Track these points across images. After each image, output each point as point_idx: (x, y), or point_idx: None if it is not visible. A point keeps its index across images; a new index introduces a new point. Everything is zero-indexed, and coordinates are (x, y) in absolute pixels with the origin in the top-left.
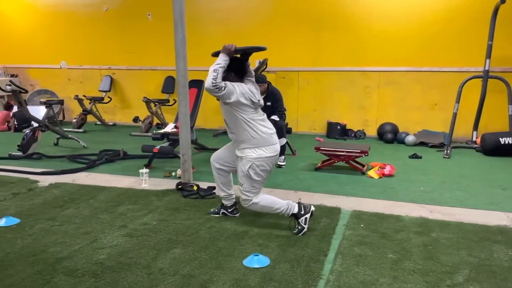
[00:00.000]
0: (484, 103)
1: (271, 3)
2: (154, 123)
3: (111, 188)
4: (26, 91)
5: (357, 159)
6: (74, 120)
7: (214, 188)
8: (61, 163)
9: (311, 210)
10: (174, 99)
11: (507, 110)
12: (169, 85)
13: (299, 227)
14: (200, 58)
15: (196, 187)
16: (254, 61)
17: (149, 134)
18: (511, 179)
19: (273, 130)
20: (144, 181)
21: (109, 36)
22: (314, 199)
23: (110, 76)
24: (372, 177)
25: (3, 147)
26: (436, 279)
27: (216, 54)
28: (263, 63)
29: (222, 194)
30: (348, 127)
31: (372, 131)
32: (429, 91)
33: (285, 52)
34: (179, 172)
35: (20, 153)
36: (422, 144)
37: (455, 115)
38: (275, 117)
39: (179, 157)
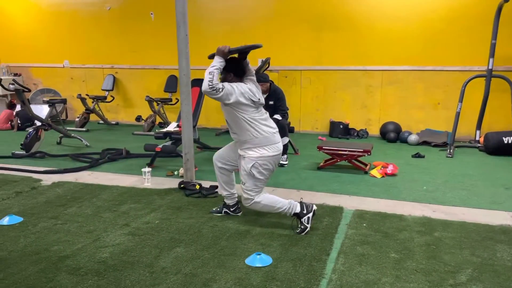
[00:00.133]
0: (487, 102)
1: (273, 2)
2: (157, 122)
3: (114, 187)
4: (29, 90)
5: (360, 158)
6: (77, 119)
7: (216, 187)
8: (64, 162)
9: (313, 209)
10: (176, 98)
11: (511, 109)
12: (172, 84)
13: (302, 227)
14: (203, 57)
15: (199, 186)
16: (256, 60)
17: (152, 133)
18: None
19: (275, 129)
20: (147, 180)
21: (111, 35)
22: (317, 198)
23: (113, 75)
24: (374, 176)
25: (6, 146)
26: (439, 278)
27: (212, 57)
28: (266, 62)
29: (224, 193)
30: (350, 126)
31: (374, 130)
32: (432, 90)
33: (287, 51)
34: (181, 171)
35: (23, 152)
36: (425, 143)
37: (458, 114)
38: (277, 116)
39: (181, 156)
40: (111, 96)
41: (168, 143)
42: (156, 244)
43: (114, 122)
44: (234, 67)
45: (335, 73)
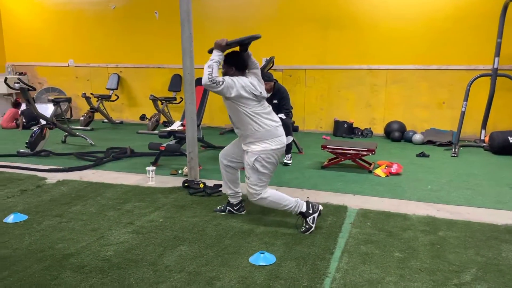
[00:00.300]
0: (492, 101)
1: (278, 1)
2: (161, 121)
3: (118, 186)
4: (34, 89)
5: (364, 158)
6: (82, 118)
7: (220, 186)
8: (68, 160)
9: (319, 209)
10: (181, 97)
11: None
12: (176, 83)
13: (307, 226)
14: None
15: (203, 185)
16: (261, 59)
17: (156, 132)
18: None
19: (278, 122)
20: (151, 178)
21: (116, 34)
22: (321, 197)
23: (118, 74)
24: (379, 176)
25: (12, 145)
26: (443, 278)
27: (211, 51)
28: (270, 61)
29: (229, 191)
30: (355, 125)
31: (379, 130)
32: (437, 89)
33: (292, 50)
34: (185, 169)
35: (28, 150)
36: (429, 142)
37: (463, 113)
38: (281, 115)
39: (185, 155)
40: (116, 95)
41: (172, 142)
42: (160, 243)
43: (118, 121)
44: (235, 60)
45: (340, 72)
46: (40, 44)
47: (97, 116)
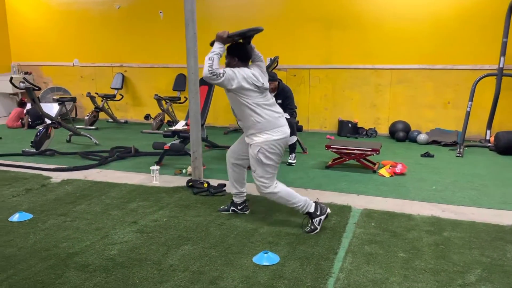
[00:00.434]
0: (498, 101)
1: (282, 0)
2: (165, 121)
3: (122, 185)
4: (40, 89)
5: (368, 158)
6: (86, 117)
7: (224, 185)
8: (73, 159)
9: (327, 212)
10: (185, 97)
11: None
12: (180, 82)
13: (312, 227)
14: None
15: (207, 184)
16: (265, 59)
17: (160, 131)
18: None
19: (280, 113)
20: (155, 178)
21: (121, 34)
22: (325, 197)
23: (122, 74)
24: (383, 176)
25: (17, 144)
26: (448, 278)
27: (213, 43)
28: (274, 61)
29: (234, 191)
30: (359, 125)
31: (383, 130)
32: (442, 89)
33: (296, 50)
34: (189, 169)
35: (33, 150)
36: (434, 142)
37: (468, 113)
38: (286, 115)
39: (189, 155)
40: (120, 94)
41: (177, 141)
42: (164, 242)
43: (123, 121)
44: (238, 50)
45: (344, 72)
46: (45, 43)
47: (102, 115)
